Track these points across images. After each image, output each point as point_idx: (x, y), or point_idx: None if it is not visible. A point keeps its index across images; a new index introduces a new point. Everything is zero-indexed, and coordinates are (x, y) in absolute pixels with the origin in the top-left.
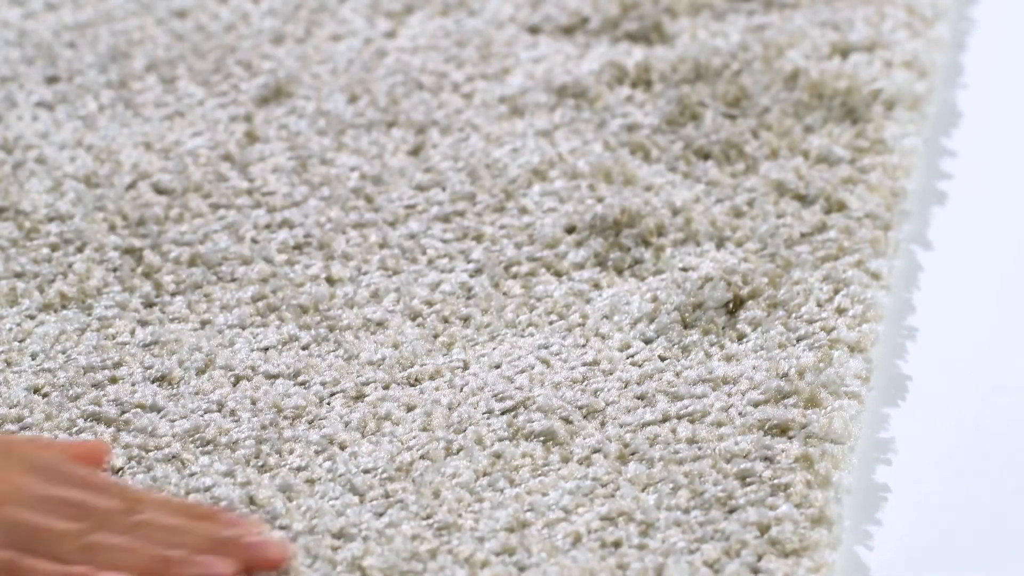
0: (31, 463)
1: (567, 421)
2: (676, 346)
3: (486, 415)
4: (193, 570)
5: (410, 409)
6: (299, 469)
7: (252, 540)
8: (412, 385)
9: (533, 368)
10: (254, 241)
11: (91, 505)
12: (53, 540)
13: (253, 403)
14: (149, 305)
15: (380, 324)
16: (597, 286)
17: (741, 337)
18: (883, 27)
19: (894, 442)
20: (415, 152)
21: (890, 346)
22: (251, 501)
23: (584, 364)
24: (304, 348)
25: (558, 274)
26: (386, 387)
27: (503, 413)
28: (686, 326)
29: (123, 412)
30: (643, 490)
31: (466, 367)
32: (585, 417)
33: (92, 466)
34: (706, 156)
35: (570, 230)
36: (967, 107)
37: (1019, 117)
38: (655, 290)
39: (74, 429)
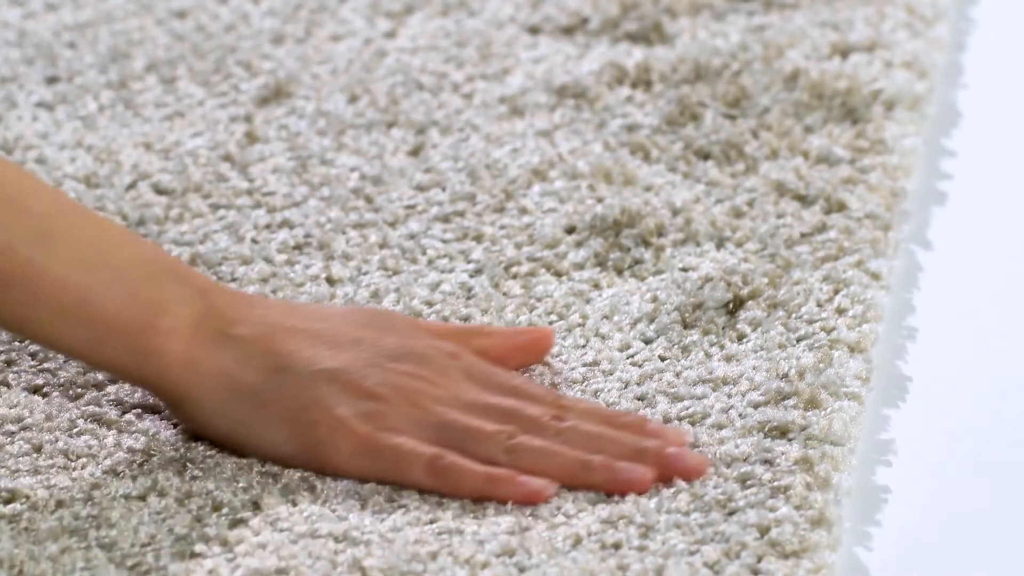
0: (470, 370)
1: None
2: (676, 346)
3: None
4: (612, 475)
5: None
6: (301, 473)
7: (672, 451)
8: None
9: (533, 369)
10: (254, 241)
11: (520, 411)
12: (481, 440)
13: None
14: None
15: None
16: (597, 286)
17: (741, 337)
18: (883, 27)
19: (894, 443)
20: (415, 152)
21: (890, 347)
22: (255, 506)
23: (584, 364)
24: None
25: (558, 274)
26: None
27: None
28: (686, 326)
29: (124, 413)
30: (644, 493)
31: None
32: None
33: (536, 355)
34: (706, 156)
35: (570, 230)
36: (967, 107)
37: (1019, 117)
38: (655, 290)
39: (74, 430)
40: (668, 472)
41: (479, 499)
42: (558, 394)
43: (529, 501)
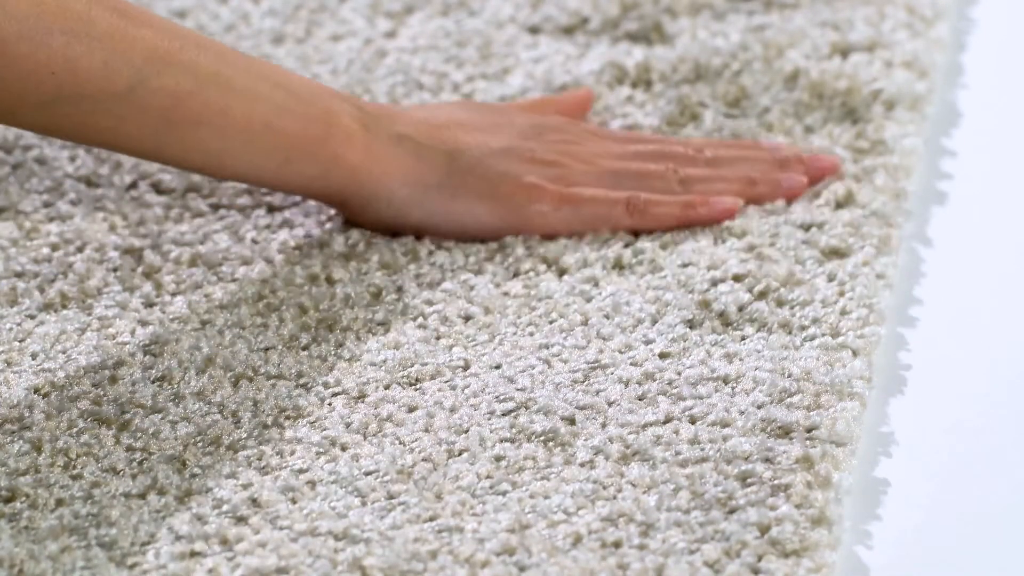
0: (593, 130)
1: (570, 422)
2: (678, 346)
3: (487, 416)
4: (776, 185)
5: (411, 410)
6: (301, 471)
7: (808, 155)
8: (413, 386)
9: (534, 368)
10: (254, 241)
11: (666, 150)
12: (654, 179)
13: (254, 404)
14: (149, 305)
15: (381, 324)
16: (598, 285)
17: (744, 337)
18: (883, 27)
19: (894, 436)
20: None
21: (891, 342)
22: (254, 503)
23: (586, 364)
24: (304, 348)
25: (560, 273)
26: (387, 387)
27: (504, 414)
28: (688, 326)
29: (123, 412)
30: (645, 492)
31: (467, 367)
32: (587, 418)
33: (586, 109)
34: None
35: None
36: (967, 107)
37: (1019, 117)
38: (657, 289)
39: (74, 429)
40: (812, 172)
41: (678, 227)
42: (674, 137)
43: (725, 218)
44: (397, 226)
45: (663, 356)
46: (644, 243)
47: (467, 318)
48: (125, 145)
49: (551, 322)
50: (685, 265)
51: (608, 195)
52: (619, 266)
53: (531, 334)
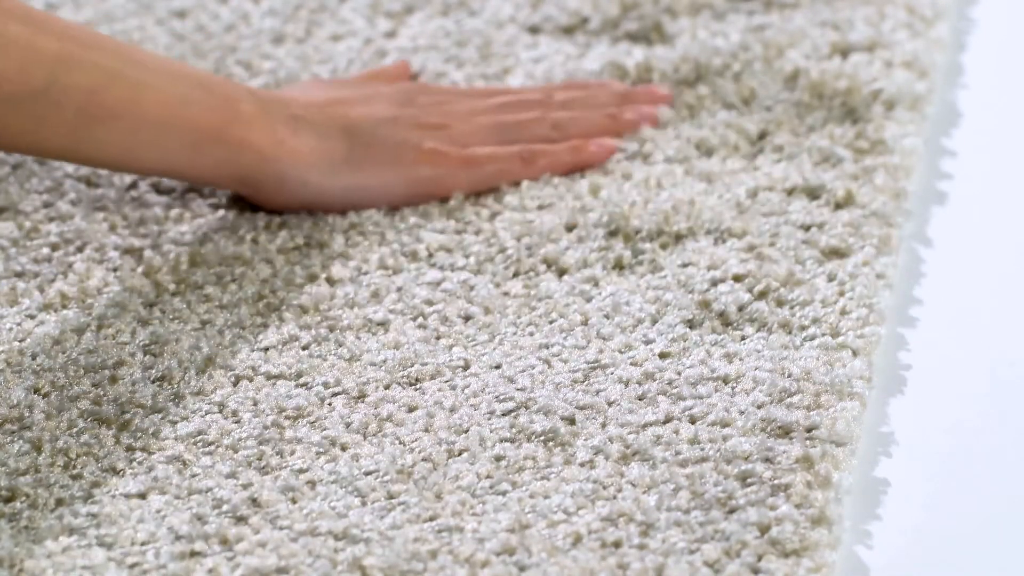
0: (453, 89)
1: (570, 422)
2: (678, 346)
3: (487, 416)
4: (635, 116)
5: (411, 410)
6: (301, 471)
7: (639, 88)
8: (413, 386)
9: (534, 368)
10: (254, 241)
11: (528, 98)
12: (531, 127)
13: (254, 404)
14: (149, 305)
15: (381, 324)
16: (598, 285)
17: (744, 337)
18: (883, 27)
19: (894, 436)
20: None
21: (891, 342)
22: (254, 503)
23: (586, 364)
24: (304, 348)
25: (560, 273)
26: (387, 387)
27: (504, 414)
28: (688, 326)
29: (123, 412)
30: (645, 492)
31: (467, 367)
32: (587, 418)
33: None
34: (708, 154)
35: (570, 228)
36: (967, 107)
37: (1019, 117)
38: (657, 289)
39: (74, 429)
40: (651, 101)
41: (570, 172)
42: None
43: (607, 155)
44: (315, 205)
45: (663, 356)
46: (644, 244)
47: (467, 318)
48: (45, 146)
49: (551, 322)
50: (685, 265)
51: (503, 151)
52: (619, 266)
53: (531, 334)
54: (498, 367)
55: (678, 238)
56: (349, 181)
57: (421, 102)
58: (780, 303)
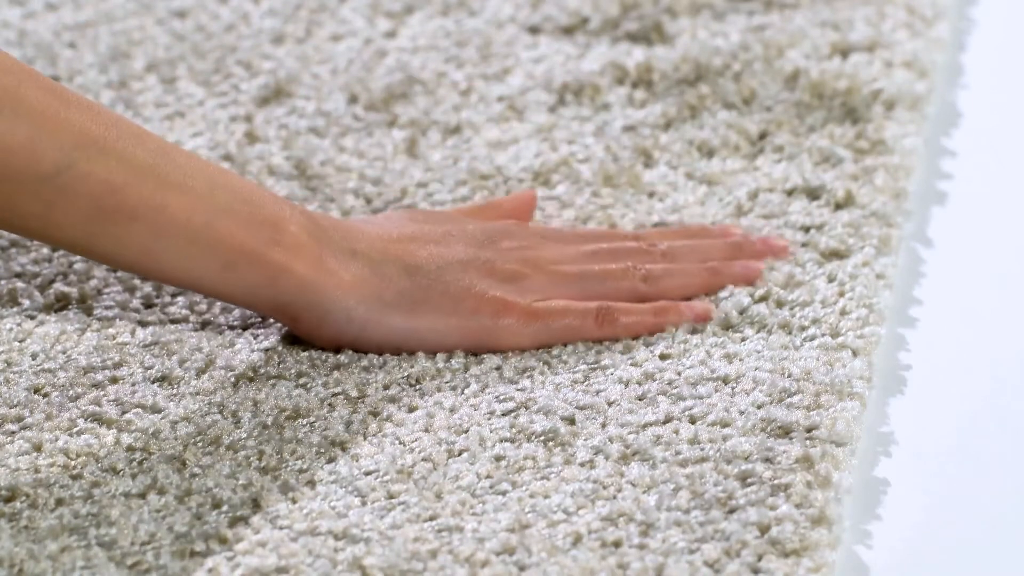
0: (542, 232)
1: (570, 422)
2: (678, 346)
3: (487, 416)
4: (739, 273)
5: (411, 410)
6: (301, 471)
7: (757, 237)
8: (413, 386)
9: (534, 369)
10: None
11: (622, 248)
12: (617, 279)
13: (254, 404)
14: (149, 306)
15: None
16: None
17: (744, 338)
18: (883, 27)
19: (894, 436)
20: (415, 152)
21: (891, 342)
22: (255, 503)
23: (585, 364)
24: (304, 349)
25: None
26: (386, 387)
27: (504, 414)
28: (689, 329)
29: (123, 412)
30: (645, 491)
31: (467, 368)
32: (587, 418)
33: (529, 213)
34: (709, 155)
35: None
36: (967, 107)
37: (1019, 117)
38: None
39: (74, 429)
40: (764, 254)
41: (651, 333)
42: (624, 230)
43: (701, 321)
44: (358, 345)
45: (663, 357)
46: None
47: None
48: (55, 234)
49: None
50: None
51: (577, 307)
52: None
53: None
54: (498, 368)
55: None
56: (399, 323)
57: (503, 246)
58: (780, 304)
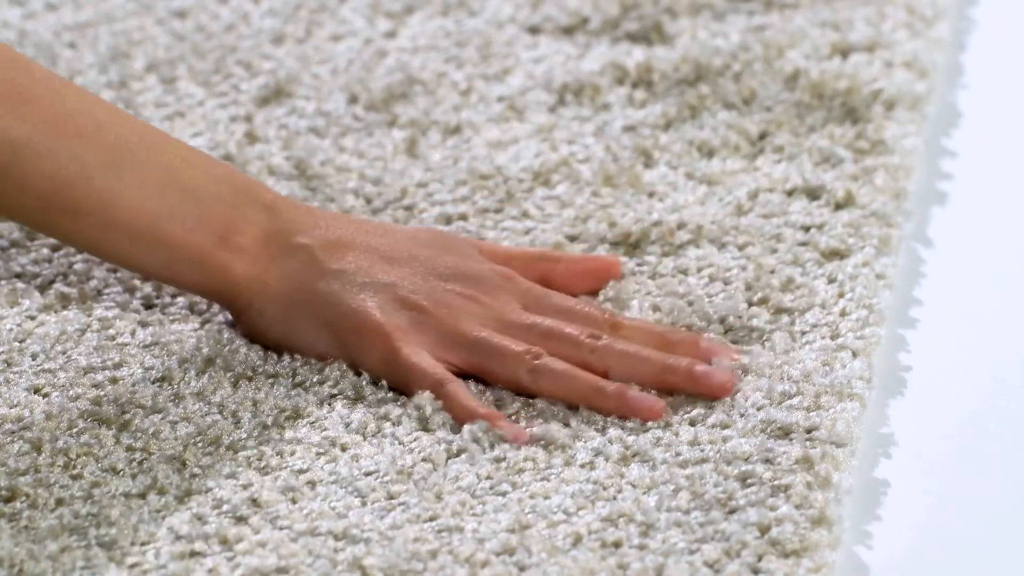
0: (524, 292)
1: (566, 424)
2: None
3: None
4: (623, 403)
5: (406, 407)
6: (301, 471)
7: (700, 368)
8: None
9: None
10: None
11: (557, 330)
12: (506, 359)
13: (254, 404)
14: (149, 306)
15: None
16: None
17: (743, 339)
18: (883, 27)
19: (894, 437)
20: (415, 152)
21: (891, 343)
22: (254, 503)
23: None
24: None
25: None
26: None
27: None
28: (688, 327)
29: (123, 412)
30: (645, 492)
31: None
32: (587, 419)
33: (602, 281)
34: (709, 156)
35: (572, 238)
36: (967, 107)
37: (1019, 117)
38: (657, 290)
39: (74, 429)
40: (696, 388)
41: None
42: (613, 314)
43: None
44: (265, 339)
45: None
46: (647, 254)
47: None
48: (11, 216)
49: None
50: (685, 271)
51: (427, 372)
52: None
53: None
54: None
55: (679, 241)
56: (296, 323)
57: (443, 285)
58: (780, 305)
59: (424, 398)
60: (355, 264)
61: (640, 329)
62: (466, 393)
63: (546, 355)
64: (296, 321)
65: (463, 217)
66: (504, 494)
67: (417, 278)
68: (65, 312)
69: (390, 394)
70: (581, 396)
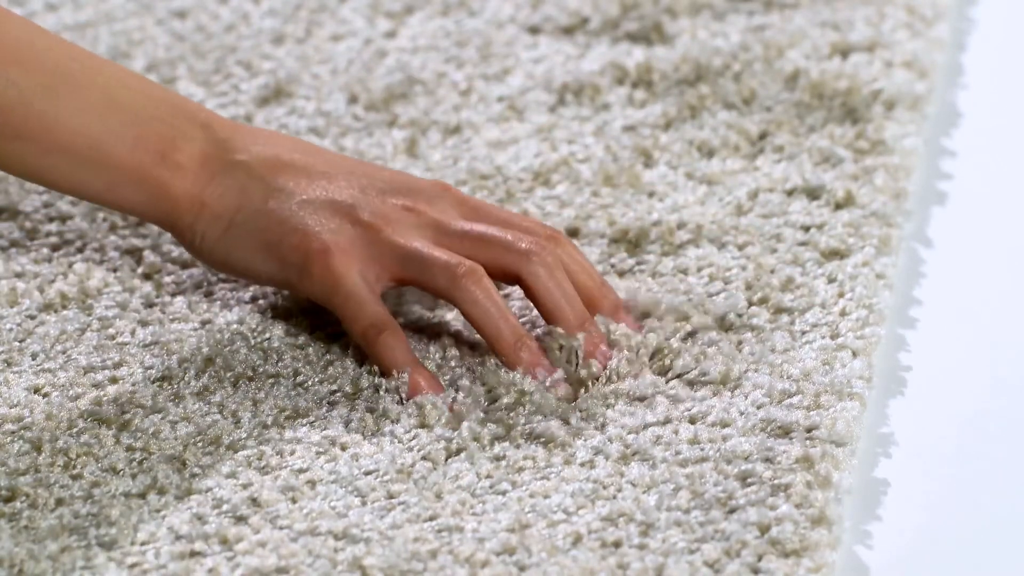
0: (463, 201)
1: (568, 422)
2: (678, 346)
3: (486, 414)
4: (515, 360)
5: (404, 403)
6: (301, 471)
7: (603, 349)
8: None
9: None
10: None
11: (493, 237)
12: (436, 270)
13: (254, 404)
14: (149, 305)
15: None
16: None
17: (743, 339)
18: (883, 27)
19: (894, 437)
20: (415, 152)
21: (891, 343)
22: (254, 502)
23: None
24: (301, 348)
25: None
26: (380, 382)
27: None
28: (688, 329)
29: (123, 412)
30: (645, 491)
31: (461, 359)
32: (586, 418)
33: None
34: (709, 156)
35: (572, 233)
36: (967, 107)
37: (1019, 117)
38: (657, 291)
39: (74, 429)
40: (587, 353)
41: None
42: (555, 229)
43: (419, 393)
44: (210, 261)
45: (663, 356)
46: (647, 253)
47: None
48: None
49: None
50: (685, 271)
51: (363, 307)
52: (619, 272)
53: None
54: (498, 366)
55: (680, 241)
56: (238, 242)
57: (384, 198)
58: (780, 305)
59: (425, 399)
60: (294, 182)
61: (577, 258)
62: (398, 343)
63: (480, 273)
64: (237, 243)
65: None
66: (504, 493)
67: (356, 192)
68: (65, 312)
69: (390, 394)
70: (491, 330)
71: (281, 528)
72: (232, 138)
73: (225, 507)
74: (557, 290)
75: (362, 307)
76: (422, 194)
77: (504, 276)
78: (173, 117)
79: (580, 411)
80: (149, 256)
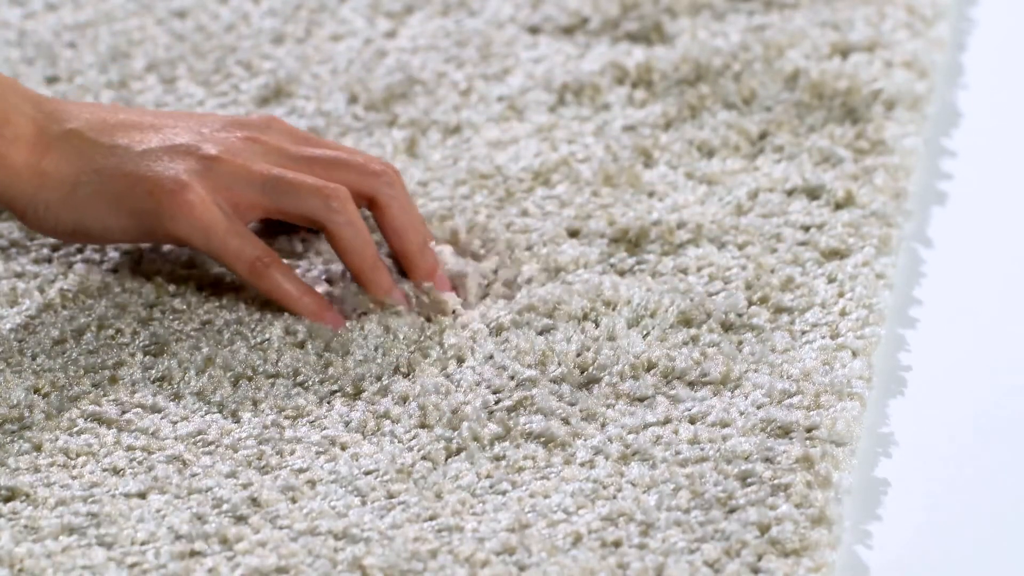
0: (292, 131)
1: (568, 422)
2: (677, 347)
3: (485, 412)
4: (383, 292)
5: (405, 400)
6: (301, 470)
7: (426, 284)
8: (406, 376)
9: (532, 369)
10: None
11: (344, 160)
12: (303, 194)
13: (254, 404)
14: (149, 306)
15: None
16: (599, 287)
17: (743, 340)
18: (883, 27)
19: (894, 437)
20: (415, 152)
21: (891, 343)
22: (254, 502)
23: (585, 364)
24: (300, 347)
25: (556, 271)
26: (379, 378)
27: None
28: (688, 327)
29: (123, 412)
30: (645, 491)
31: (461, 359)
32: (585, 419)
33: None
34: (709, 156)
35: (573, 233)
36: (967, 107)
37: (1019, 117)
38: (657, 291)
39: (74, 429)
40: (415, 276)
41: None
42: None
43: (329, 324)
44: (58, 232)
45: (662, 356)
46: (646, 253)
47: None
48: None
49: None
50: (685, 271)
51: (242, 246)
52: (619, 272)
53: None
54: (491, 358)
55: (679, 241)
56: (85, 206)
57: (221, 134)
58: (780, 305)
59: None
60: (127, 138)
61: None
62: (287, 272)
63: (347, 194)
64: (85, 205)
65: (462, 213)
66: (504, 493)
67: (193, 134)
68: (65, 312)
69: (384, 384)
70: (359, 260)
71: (281, 528)
72: (59, 110)
73: (225, 507)
74: (412, 211)
75: (241, 241)
76: (254, 126)
77: (357, 198)
78: (3, 93)
79: (580, 411)
80: (149, 256)
